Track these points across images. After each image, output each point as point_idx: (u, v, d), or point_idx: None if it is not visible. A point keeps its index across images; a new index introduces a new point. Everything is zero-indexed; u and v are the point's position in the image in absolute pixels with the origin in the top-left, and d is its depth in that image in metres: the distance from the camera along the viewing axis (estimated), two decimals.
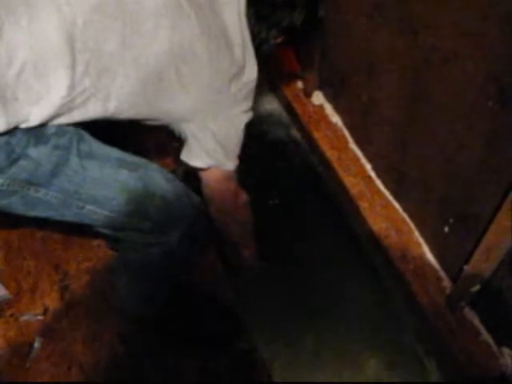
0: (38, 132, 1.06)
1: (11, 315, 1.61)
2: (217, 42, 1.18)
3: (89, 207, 1.15)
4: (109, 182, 1.15)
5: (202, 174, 1.40)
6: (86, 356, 1.52)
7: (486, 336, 1.45)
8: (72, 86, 1.04)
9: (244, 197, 1.53)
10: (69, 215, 1.18)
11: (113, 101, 1.11)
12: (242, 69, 1.24)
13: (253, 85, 1.29)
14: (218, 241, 1.71)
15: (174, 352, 1.53)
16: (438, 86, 1.32)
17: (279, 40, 1.37)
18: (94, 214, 1.17)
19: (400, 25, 1.39)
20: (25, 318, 1.60)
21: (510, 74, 1.07)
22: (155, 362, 1.51)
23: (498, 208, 1.19)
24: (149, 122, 1.28)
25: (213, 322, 1.59)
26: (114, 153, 1.19)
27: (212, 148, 1.30)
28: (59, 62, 1.02)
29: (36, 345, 1.54)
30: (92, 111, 1.10)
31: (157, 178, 1.22)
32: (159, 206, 1.20)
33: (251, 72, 1.26)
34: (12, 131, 1.02)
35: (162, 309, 1.51)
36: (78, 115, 1.09)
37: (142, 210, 1.19)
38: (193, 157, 1.34)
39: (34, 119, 1.03)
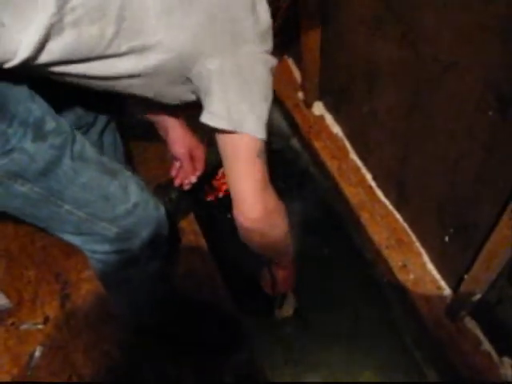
0: (37, 126, 1.04)
1: (12, 324, 1.61)
2: None
3: (67, 207, 1.13)
4: (93, 186, 1.14)
5: (224, 142, 1.17)
6: (86, 365, 1.53)
7: (486, 345, 1.45)
8: (60, 4, 0.93)
9: (277, 201, 1.28)
10: (43, 213, 1.15)
11: (110, 24, 0.99)
12: (254, 2, 1.12)
13: (268, 22, 1.15)
14: (222, 253, 1.70)
15: (173, 360, 1.53)
16: (438, 95, 1.33)
17: None
18: (70, 214, 1.15)
19: (400, 36, 1.40)
20: (25, 326, 1.60)
21: (509, 83, 1.07)
22: (155, 370, 1.51)
23: (498, 217, 1.19)
24: (160, 82, 1.15)
25: (212, 331, 1.59)
26: (101, 158, 1.18)
27: (236, 97, 1.11)
28: None
29: (36, 354, 1.54)
30: (86, 35, 0.98)
31: (132, 184, 1.22)
32: (130, 212, 1.20)
33: (265, 7, 1.14)
34: (9, 120, 0.99)
35: (154, 317, 1.51)
36: (70, 39, 0.98)
37: (114, 215, 1.19)
38: (215, 116, 1.11)
39: (23, 50, 0.94)
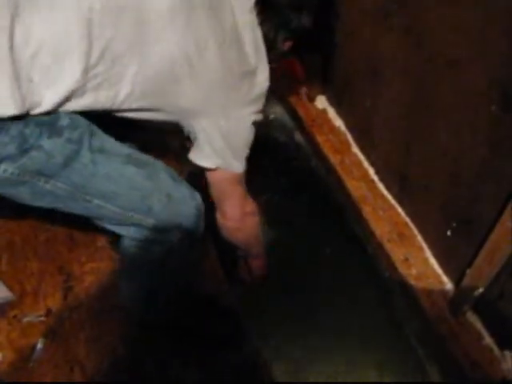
0: (52, 124, 1.06)
1: (14, 316, 1.61)
2: (229, 40, 1.18)
3: (96, 201, 1.16)
4: (117, 177, 1.16)
5: (210, 176, 1.37)
6: (89, 357, 1.52)
7: (488, 340, 1.45)
8: (86, 71, 1.04)
9: (252, 205, 1.50)
10: (76, 208, 1.19)
11: (125, 88, 1.11)
12: (254, 69, 1.23)
13: (265, 86, 1.27)
14: (221, 246, 1.70)
15: (175, 354, 1.53)
16: (442, 90, 1.33)
17: (288, 45, 1.35)
18: (101, 208, 1.18)
19: (405, 30, 1.40)
20: (28, 319, 1.60)
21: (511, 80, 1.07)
22: (157, 363, 1.51)
23: (500, 211, 1.19)
24: (159, 118, 1.26)
25: (214, 324, 1.59)
26: (124, 149, 1.20)
27: (221, 147, 1.28)
28: (76, 47, 1.02)
29: (39, 346, 1.54)
30: (103, 97, 1.10)
31: (163, 176, 1.23)
32: (164, 204, 1.21)
33: (263, 73, 1.25)
34: (26, 121, 1.02)
35: (164, 310, 1.51)
36: (89, 101, 1.09)
37: (147, 207, 1.20)
38: (202, 157, 1.30)
39: (47, 103, 1.03)
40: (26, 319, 1.60)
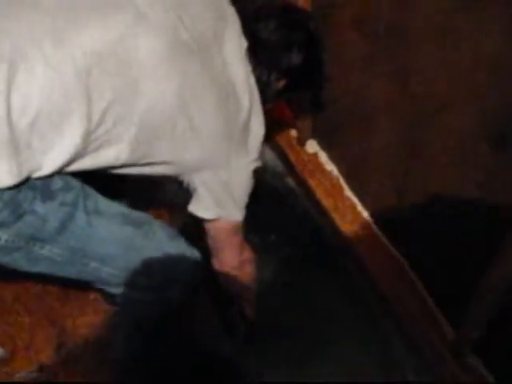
0: (45, 187, 1.05)
1: (6, 373, 1.58)
2: (225, 90, 1.19)
3: (93, 264, 1.14)
4: (115, 239, 1.14)
5: (209, 226, 1.36)
6: None
7: (491, 381, 1.43)
8: (87, 135, 1.03)
9: (249, 253, 1.50)
10: (72, 272, 1.17)
11: (126, 148, 1.10)
12: (250, 117, 1.24)
13: (261, 133, 1.28)
14: (217, 294, 1.69)
15: None
16: (433, 133, 1.35)
17: (282, 83, 1.35)
18: (98, 271, 1.16)
19: (392, 75, 1.42)
20: (20, 375, 1.57)
21: (502, 120, 1.08)
22: None
23: (491, 255, 1.19)
24: (159, 172, 1.25)
25: (210, 375, 1.56)
26: (119, 208, 1.19)
27: (222, 198, 1.28)
28: (75, 112, 1.01)
29: None
30: (104, 157, 1.09)
31: (160, 234, 1.23)
32: (162, 263, 1.21)
33: (259, 120, 1.27)
34: (18, 186, 1.00)
35: (158, 361, 1.49)
36: (90, 162, 1.08)
37: (145, 268, 1.19)
38: (202, 208, 1.30)
39: (46, 168, 1.02)
40: (18, 375, 1.57)
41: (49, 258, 1.10)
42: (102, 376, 1.56)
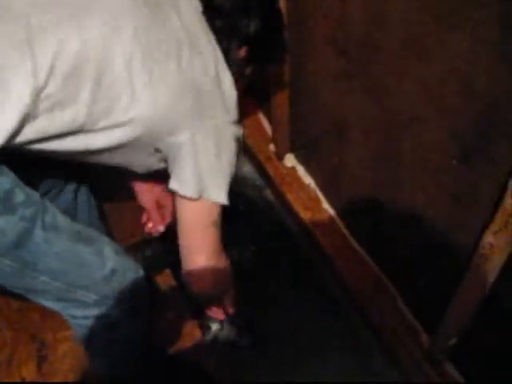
0: (6, 199, 1.02)
1: None
2: (186, 42, 1.14)
3: (43, 278, 1.12)
4: (68, 255, 1.13)
5: (184, 213, 1.26)
6: None
7: None
8: (36, 92, 0.99)
9: (225, 261, 1.39)
10: (18, 284, 1.14)
11: (82, 108, 1.05)
12: (218, 74, 1.19)
13: (234, 93, 1.22)
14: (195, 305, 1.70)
15: None
16: (406, 146, 1.37)
17: (243, 52, 1.29)
18: (47, 284, 1.13)
19: (363, 90, 1.45)
20: None
21: (470, 133, 1.12)
22: None
23: (468, 263, 1.22)
24: (135, 153, 1.20)
25: None
26: (73, 225, 1.17)
27: (201, 167, 1.19)
28: (20, 68, 0.98)
29: None
30: (59, 120, 1.04)
31: (107, 250, 1.21)
32: (108, 278, 1.19)
33: (229, 81, 1.21)
34: None
35: (139, 376, 1.49)
36: (43, 125, 1.03)
37: (92, 283, 1.18)
38: (180, 182, 1.20)
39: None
40: None
41: None
42: None
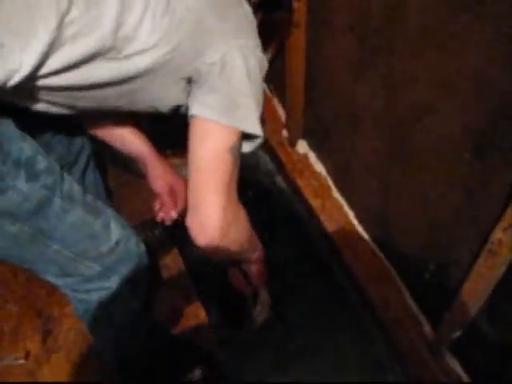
0: (29, 166, 1.04)
1: None
2: None
3: (55, 247, 1.13)
4: (80, 226, 1.14)
5: (201, 148, 1.14)
6: None
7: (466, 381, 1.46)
8: (59, 19, 0.96)
9: (241, 211, 1.28)
10: (30, 253, 1.14)
11: (107, 32, 1.02)
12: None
13: (254, 19, 1.18)
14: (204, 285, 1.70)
15: None
16: (418, 137, 1.36)
17: None
18: (57, 253, 1.14)
19: (381, 81, 1.44)
20: (6, 361, 1.58)
21: (484, 127, 1.11)
22: None
23: (476, 257, 1.22)
24: (157, 77, 1.14)
25: (194, 369, 1.58)
26: (86, 197, 1.18)
27: (236, 89, 1.12)
28: None
29: None
30: (84, 46, 1.01)
31: (114, 224, 1.23)
32: (112, 250, 1.21)
33: (246, 5, 1.18)
34: (3, 157, 0.99)
35: (142, 355, 1.50)
36: (70, 52, 1.00)
37: (98, 254, 1.20)
38: (205, 106, 1.12)
39: (25, 67, 0.96)
40: (3, 362, 1.58)
41: (15, 235, 1.08)
42: (88, 365, 1.58)
